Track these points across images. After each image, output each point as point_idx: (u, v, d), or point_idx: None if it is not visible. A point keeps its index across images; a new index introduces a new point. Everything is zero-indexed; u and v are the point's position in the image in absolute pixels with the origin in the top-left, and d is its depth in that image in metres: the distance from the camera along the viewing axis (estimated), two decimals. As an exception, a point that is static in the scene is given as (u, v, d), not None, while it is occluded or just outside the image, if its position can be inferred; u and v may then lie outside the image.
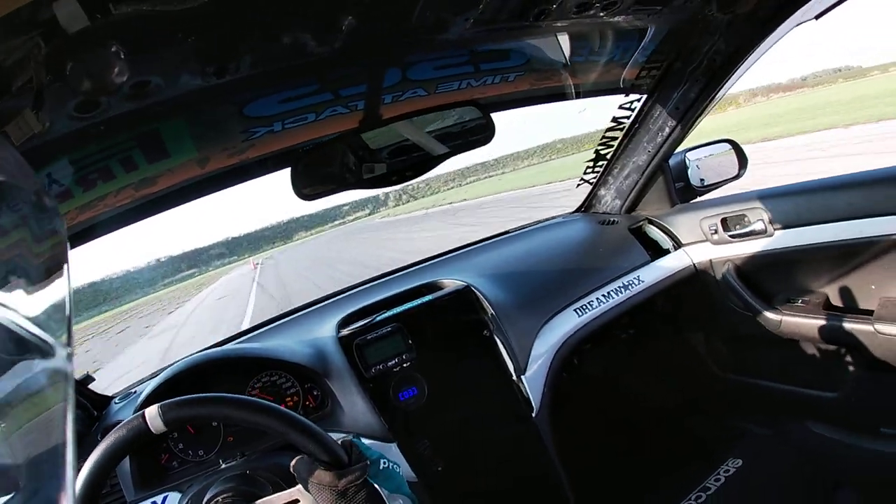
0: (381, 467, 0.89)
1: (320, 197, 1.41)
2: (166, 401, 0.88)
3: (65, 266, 0.48)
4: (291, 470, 0.87)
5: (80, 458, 0.81)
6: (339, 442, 0.88)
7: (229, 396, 0.90)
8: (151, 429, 0.86)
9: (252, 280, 31.03)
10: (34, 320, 0.43)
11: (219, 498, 0.93)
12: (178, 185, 1.54)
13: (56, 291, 0.45)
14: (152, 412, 0.87)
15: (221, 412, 0.90)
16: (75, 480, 0.48)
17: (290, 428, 0.87)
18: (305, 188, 1.38)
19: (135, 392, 1.61)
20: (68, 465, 0.40)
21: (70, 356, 0.43)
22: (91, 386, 1.60)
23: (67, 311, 0.44)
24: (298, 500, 0.88)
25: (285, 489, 1.03)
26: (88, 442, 1.47)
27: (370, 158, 1.38)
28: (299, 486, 0.87)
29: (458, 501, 1.46)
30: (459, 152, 1.39)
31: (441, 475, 1.47)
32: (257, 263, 47.07)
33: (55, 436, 0.40)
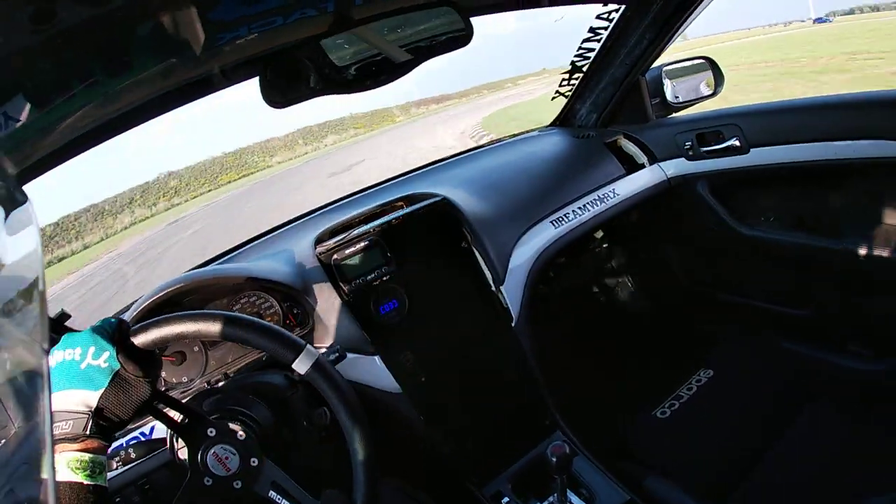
0: None
1: (292, 104, 1.35)
2: (325, 358, 0.92)
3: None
4: (323, 496, 0.91)
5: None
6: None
7: (352, 400, 0.93)
8: (295, 363, 0.91)
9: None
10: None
11: (235, 426, 0.94)
12: (142, 100, 1.47)
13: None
14: (310, 354, 0.92)
15: (335, 406, 0.93)
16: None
17: (367, 460, 0.91)
18: (276, 96, 1.33)
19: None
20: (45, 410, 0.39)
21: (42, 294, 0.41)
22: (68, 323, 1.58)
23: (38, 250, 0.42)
24: None
25: (272, 405, 1.05)
26: None
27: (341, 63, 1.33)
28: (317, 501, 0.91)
29: (442, 412, 1.49)
30: (437, 55, 1.34)
31: (424, 386, 1.50)
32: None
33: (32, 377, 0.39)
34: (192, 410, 0.95)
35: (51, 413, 0.41)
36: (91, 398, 0.77)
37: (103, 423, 0.79)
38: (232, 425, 0.93)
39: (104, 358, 0.79)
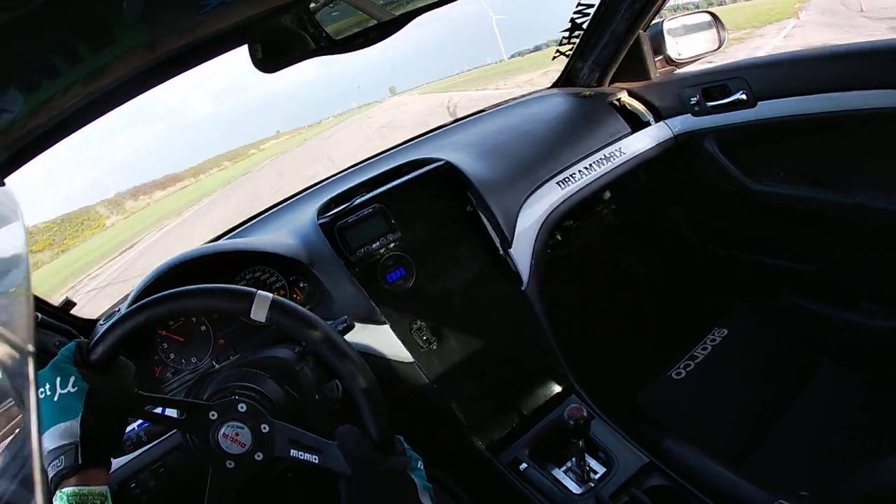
0: (417, 467, 0.90)
1: (283, 67, 1.31)
2: (281, 299, 0.88)
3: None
4: (337, 433, 0.86)
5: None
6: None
7: (327, 330, 0.89)
8: (252, 311, 0.86)
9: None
10: None
11: (234, 396, 0.91)
12: (129, 75, 1.43)
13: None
14: (264, 298, 0.87)
15: (314, 342, 0.89)
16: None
17: (368, 395, 0.87)
18: (266, 60, 1.28)
19: (118, 310, 1.56)
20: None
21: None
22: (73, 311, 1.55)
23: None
24: (322, 452, 0.87)
25: (280, 380, 1.01)
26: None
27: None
28: (333, 443, 0.87)
29: (455, 379, 1.46)
30: (430, 9, 1.29)
31: (437, 353, 1.48)
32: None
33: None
34: (186, 403, 0.92)
35: (40, 442, 0.38)
36: (73, 427, 0.77)
37: (95, 448, 0.78)
38: (230, 401, 0.90)
39: (72, 383, 0.78)
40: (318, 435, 0.89)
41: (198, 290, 0.87)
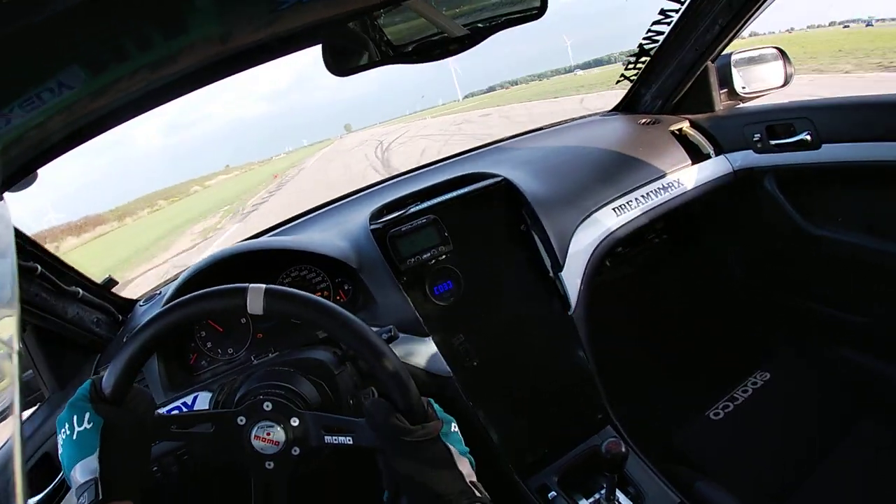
0: (451, 430, 0.88)
1: (355, 73, 1.32)
2: (275, 286, 0.85)
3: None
4: (365, 408, 0.85)
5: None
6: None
7: (338, 310, 0.87)
8: (248, 306, 0.84)
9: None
10: None
11: (260, 396, 0.91)
12: (198, 65, 1.45)
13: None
14: (257, 290, 0.84)
15: (322, 321, 0.87)
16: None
17: (381, 364, 0.84)
18: (339, 63, 1.29)
19: (160, 293, 1.58)
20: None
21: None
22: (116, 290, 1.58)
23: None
24: (354, 432, 0.86)
25: (317, 383, 1.01)
26: (115, 346, 1.46)
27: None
28: (362, 420, 0.86)
29: (492, 397, 1.45)
30: (507, 27, 1.29)
31: (476, 370, 1.47)
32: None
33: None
34: (211, 415, 0.92)
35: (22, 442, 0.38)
36: (92, 462, 0.77)
37: (115, 481, 0.78)
38: (255, 402, 0.89)
39: (87, 419, 0.79)
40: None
41: (192, 298, 0.86)
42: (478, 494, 0.81)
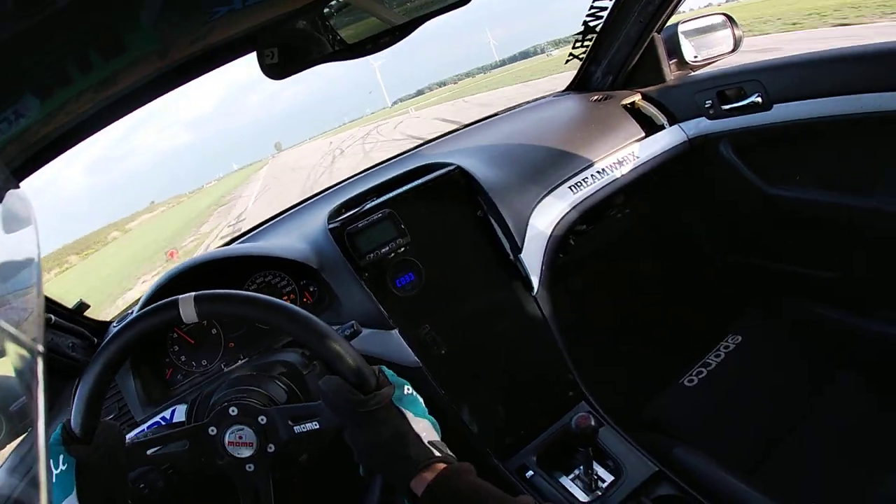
0: (405, 393, 0.90)
1: (291, 74, 1.32)
2: (202, 291, 0.87)
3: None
4: (318, 386, 0.87)
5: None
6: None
7: (270, 300, 0.89)
8: (182, 316, 0.86)
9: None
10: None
11: (225, 402, 0.92)
12: (140, 82, 1.45)
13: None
14: (187, 300, 0.86)
15: (258, 314, 0.89)
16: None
17: (324, 343, 0.86)
18: (275, 67, 1.29)
19: (131, 312, 1.58)
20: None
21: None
22: (87, 313, 1.58)
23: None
24: (318, 415, 0.88)
25: (286, 384, 1.02)
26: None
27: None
28: (320, 402, 0.88)
29: (463, 384, 1.46)
30: (437, 15, 1.29)
31: (445, 358, 1.48)
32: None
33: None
34: (183, 432, 0.94)
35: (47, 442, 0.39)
36: (73, 501, 0.80)
37: None
38: (221, 409, 0.91)
39: (62, 461, 0.82)
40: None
41: (129, 323, 0.88)
42: (437, 454, 0.82)
